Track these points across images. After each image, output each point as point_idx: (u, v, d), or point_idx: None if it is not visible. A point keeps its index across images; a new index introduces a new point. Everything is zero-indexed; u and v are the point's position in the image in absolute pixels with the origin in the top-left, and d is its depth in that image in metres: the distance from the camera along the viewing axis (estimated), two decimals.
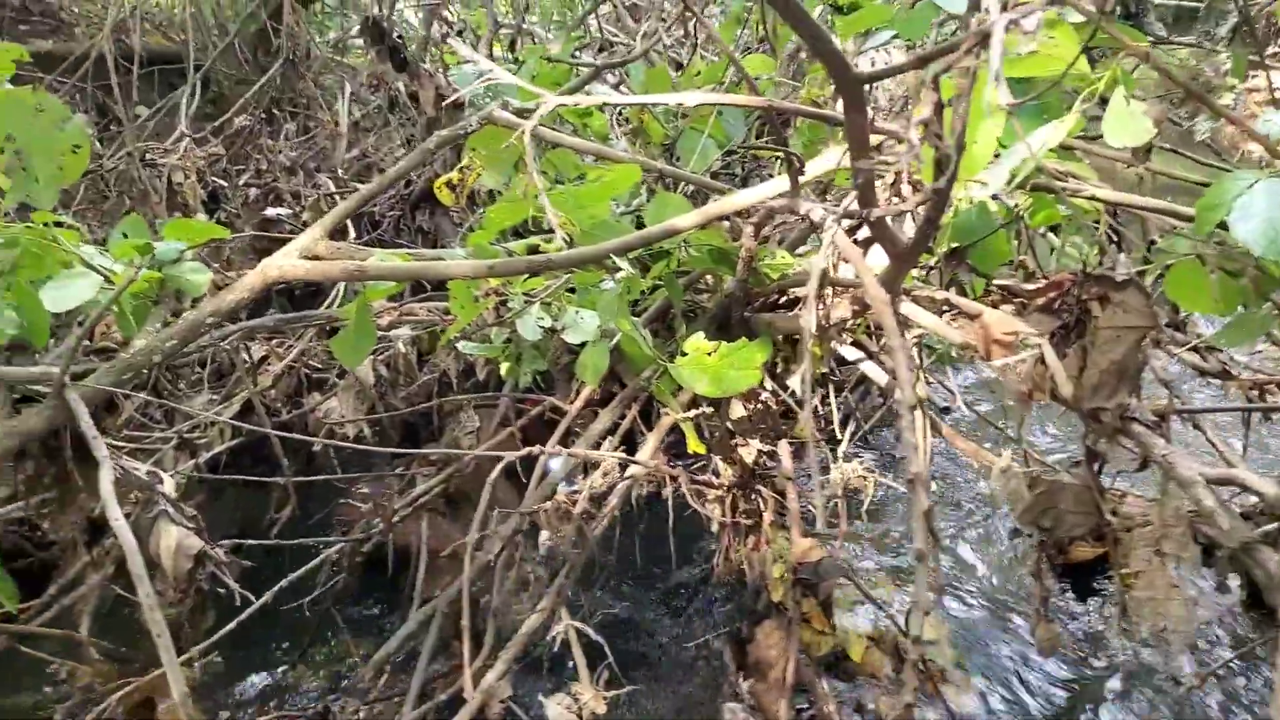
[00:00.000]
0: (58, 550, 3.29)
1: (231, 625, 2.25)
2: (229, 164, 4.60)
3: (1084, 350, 1.14)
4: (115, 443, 2.56)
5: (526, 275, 2.04)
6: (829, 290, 1.85)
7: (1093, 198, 1.61)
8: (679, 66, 4.67)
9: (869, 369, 1.93)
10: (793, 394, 2.39)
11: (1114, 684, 2.46)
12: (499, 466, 1.83)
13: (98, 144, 4.66)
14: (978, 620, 2.80)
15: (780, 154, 1.46)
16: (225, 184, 4.21)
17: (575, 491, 1.91)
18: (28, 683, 2.81)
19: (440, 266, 1.83)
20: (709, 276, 2.38)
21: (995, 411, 3.63)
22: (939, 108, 0.98)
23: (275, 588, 2.34)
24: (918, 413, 1.05)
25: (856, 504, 2.31)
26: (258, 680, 2.81)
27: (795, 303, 2.10)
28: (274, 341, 3.19)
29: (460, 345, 2.60)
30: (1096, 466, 1.29)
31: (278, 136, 4.91)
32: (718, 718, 2.14)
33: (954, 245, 1.68)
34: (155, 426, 3.17)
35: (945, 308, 1.54)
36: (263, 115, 5.00)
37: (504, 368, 2.66)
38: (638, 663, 2.55)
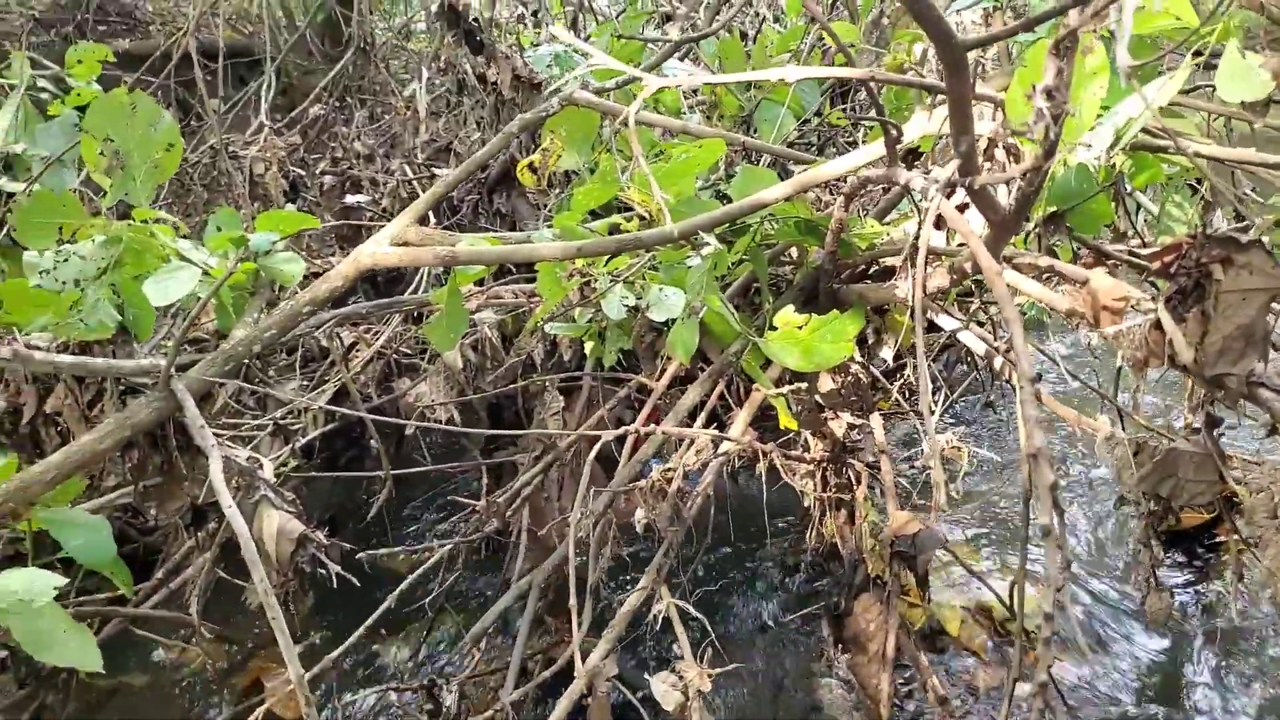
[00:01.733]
0: (161, 536, 3.43)
1: (362, 629, 2.29)
2: (305, 153, 4.69)
3: (1205, 315, 1.10)
4: (215, 431, 2.65)
5: (612, 255, 2.05)
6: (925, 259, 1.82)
7: (1202, 155, 1.55)
8: (744, 36, 4.61)
9: (966, 338, 1.90)
10: (882, 365, 2.37)
11: (1230, 657, 2.40)
12: (595, 447, 1.84)
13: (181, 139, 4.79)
14: (1080, 591, 2.75)
15: (870, 121, 1.44)
16: (303, 173, 4.30)
17: (669, 469, 1.92)
18: (142, 664, 2.95)
19: (529, 249, 1.85)
20: (793, 250, 2.37)
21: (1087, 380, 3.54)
22: (1059, 73, 0.95)
23: (397, 590, 2.38)
24: (1035, 386, 1.03)
25: (951, 476, 2.28)
26: (364, 660, 2.90)
27: (886, 273, 2.08)
28: (362, 328, 3.25)
29: (547, 326, 2.63)
30: (1217, 433, 1.26)
31: (351, 124, 4.99)
32: (817, 692, 2.15)
33: (1053, 209, 1.64)
34: (248, 413, 3.27)
35: (1049, 274, 1.50)
36: (335, 103, 5.08)
37: (588, 347, 2.68)
38: (736, 640, 2.57)
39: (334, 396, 3.18)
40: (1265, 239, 1.12)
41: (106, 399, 2.30)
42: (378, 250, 1.92)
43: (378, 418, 2.58)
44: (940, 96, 1.60)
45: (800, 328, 1.95)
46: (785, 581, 2.78)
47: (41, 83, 4.06)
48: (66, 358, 1.79)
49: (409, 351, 3.24)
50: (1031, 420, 0.98)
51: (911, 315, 1.77)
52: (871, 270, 2.15)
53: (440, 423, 3.06)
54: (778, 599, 2.71)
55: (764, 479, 2.05)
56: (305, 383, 3.39)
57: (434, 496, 3.55)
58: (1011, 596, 2.04)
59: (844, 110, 3.06)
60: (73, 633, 1.86)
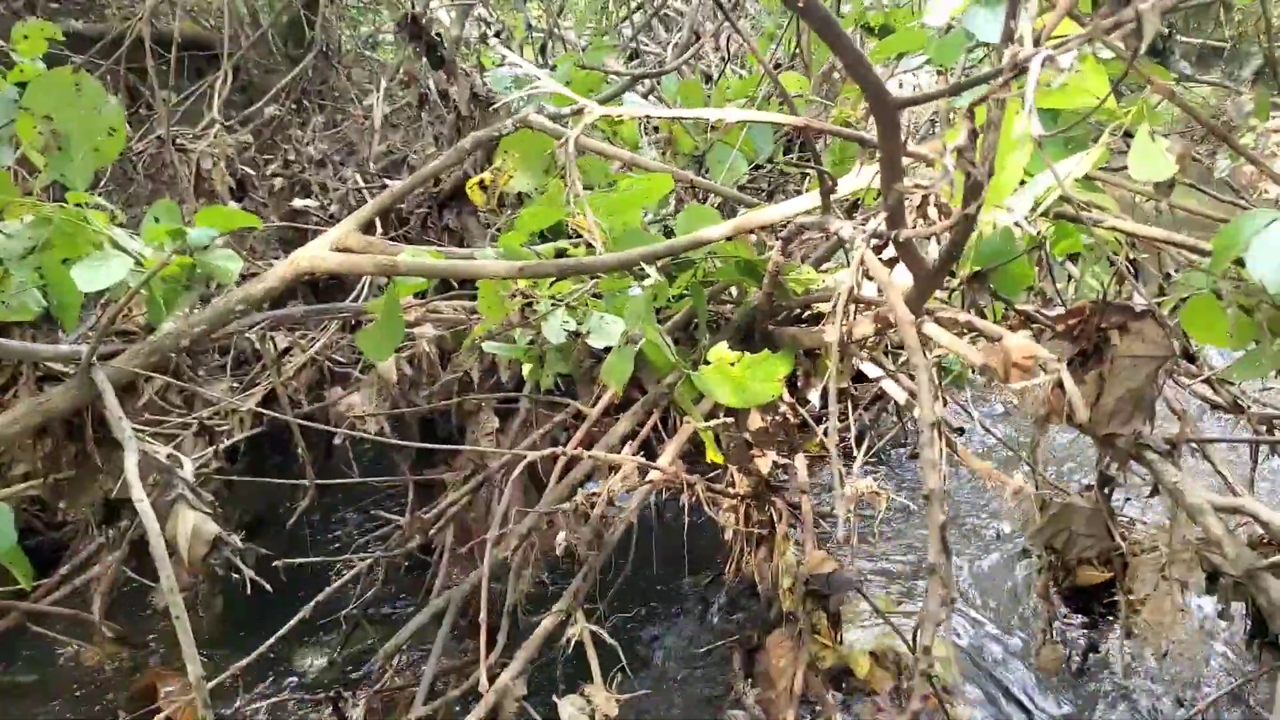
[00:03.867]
0: (70, 531, 3.34)
1: (275, 638, 2.26)
2: (257, 153, 4.65)
3: (1101, 377, 1.17)
4: (135, 426, 2.60)
5: (555, 278, 2.08)
6: (853, 307, 1.89)
7: (1114, 229, 1.64)
8: (708, 79, 4.71)
9: (888, 386, 1.97)
10: (810, 407, 2.43)
11: (1116, 709, 2.49)
12: (520, 465, 1.86)
13: (128, 127, 4.72)
14: (982, 641, 2.82)
15: (813, 170, 1.50)
16: (253, 173, 4.26)
17: (594, 494, 1.94)
18: (35, 661, 2.86)
19: (472, 265, 1.87)
20: (733, 288, 2.43)
21: (1009, 437, 3.65)
22: (973, 135, 1.02)
23: (313, 602, 2.35)
24: (936, 430, 1.08)
25: (869, 520, 2.34)
26: (273, 670, 2.85)
27: (819, 318, 2.14)
28: (298, 333, 3.23)
29: (485, 345, 2.65)
30: (1108, 491, 1.32)
31: (306, 128, 4.97)
32: None
33: (977, 269, 1.72)
34: (174, 410, 3.21)
35: (967, 330, 1.57)
36: (292, 105, 5.05)
37: (526, 369, 2.70)
38: (647, 666, 2.59)
39: (264, 400, 3.15)
40: (1160, 309, 1.20)
41: (21, 384, 2.24)
42: (317, 255, 1.93)
43: (308, 422, 2.56)
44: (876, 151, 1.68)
45: (733, 364, 2.00)
46: (703, 613, 2.81)
47: None
48: None
49: (343, 360, 3.23)
50: (929, 463, 1.03)
51: (838, 358, 1.83)
52: (805, 315, 2.21)
53: (371, 434, 3.04)
54: (693, 630, 2.74)
55: (688, 512, 2.09)
56: (236, 385, 3.34)
57: (361, 509, 3.51)
58: (914, 637, 2.10)
59: (794, 159, 3.15)
60: None
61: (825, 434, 2.63)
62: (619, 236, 1.94)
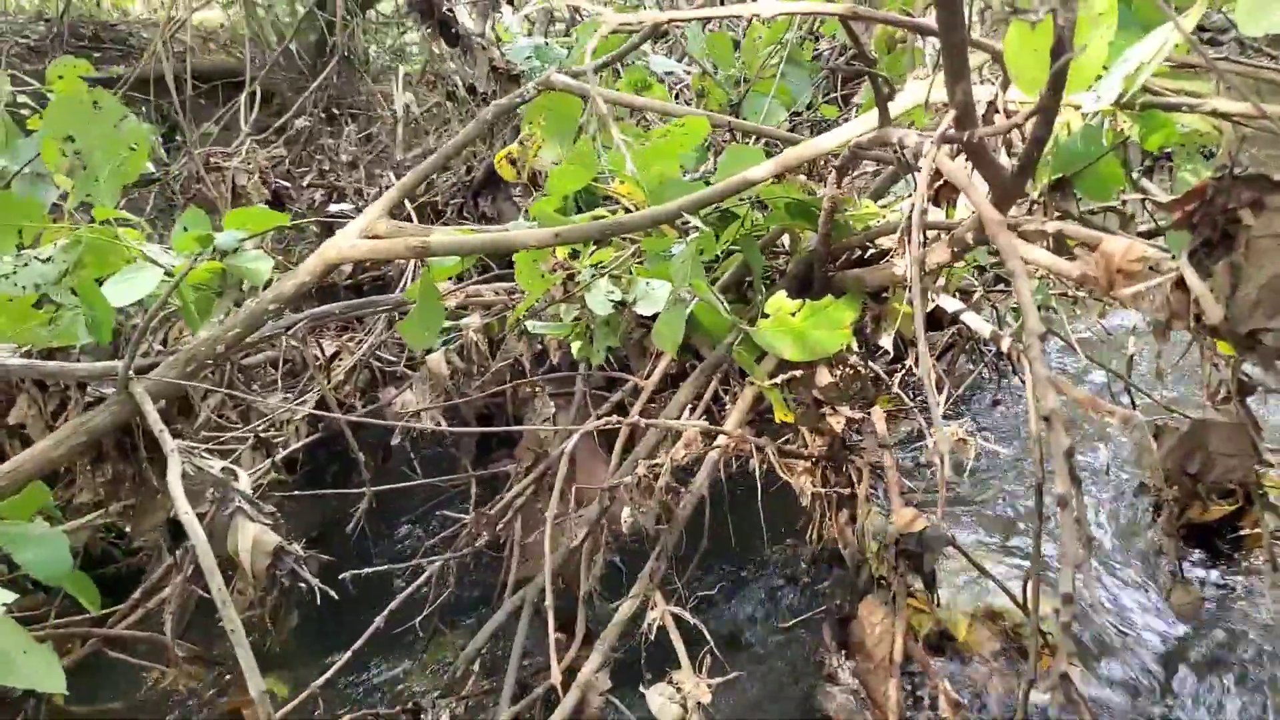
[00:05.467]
0: (145, 556, 3.32)
1: (350, 651, 2.18)
2: (291, 166, 4.62)
3: (1234, 267, 1.00)
4: (192, 443, 2.55)
5: (594, 246, 1.95)
6: (923, 235, 1.72)
7: (1214, 112, 1.44)
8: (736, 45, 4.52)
9: (970, 319, 1.79)
10: (884, 357, 2.26)
11: (1248, 652, 2.27)
12: (573, 437, 1.74)
13: (164, 154, 4.76)
14: (1099, 587, 2.61)
15: (866, 73, 1.34)
16: (289, 185, 4.22)
17: (655, 464, 1.81)
18: (120, 688, 2.82)
19: (505, 237, 1.75)
20: (785, 238, 2.27)
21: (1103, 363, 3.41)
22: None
23: (386, 611, 2.27)
24: (1042, 343, 0.92)
25: (958, 469, 2.17)
26: (352, 685, 2.77)
27: (883, 255, 1.97)
28: (345, 337, 3.16)
29: (529, 325, 2.53)
30: (1248, 402, 1.15)
31: (339, 137, 4.93)
32: (817, 701, 2.02)
33: (1059, 175, 1.54)
34: (232, 428, 3.17)
35: (1056, 242, 1.39)
36: (323, 115, 5.01)
37: (575, 347, 2.58)
38: (736, 646, 2.44)
39: (318, 408, 3.08)
40: None
41: (71, 407, 2.20)
42: (345, 244, 1.82)
43: (364, 419, 2.47)
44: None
45: (794, 314, 1.85)
46: (785, 586, 2.65)
47: (22, 99, 4.00)
48: (16, 360, 1.68)
49: (393, 360, 3.14)
50: (1043, 379, 0.87)
51: (911, 290, 1.67)
52: (867, 255, 2.04)
53: (428, 429, 2.95)
54: (779, 603, 2.58)
55: (760, 479, 1.94)
56: (289, 396, 3.29)
57: (425, 513, 3.43)
58: (1024, 592, 1.92)
59: (847, 63, 2.96)
60: (34, 653, 1.75)
61: (913, 394, 2.46)
62: (656, 189, 1.80)
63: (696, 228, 1.76)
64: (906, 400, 2.64)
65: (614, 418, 1.83)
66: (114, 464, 2.44)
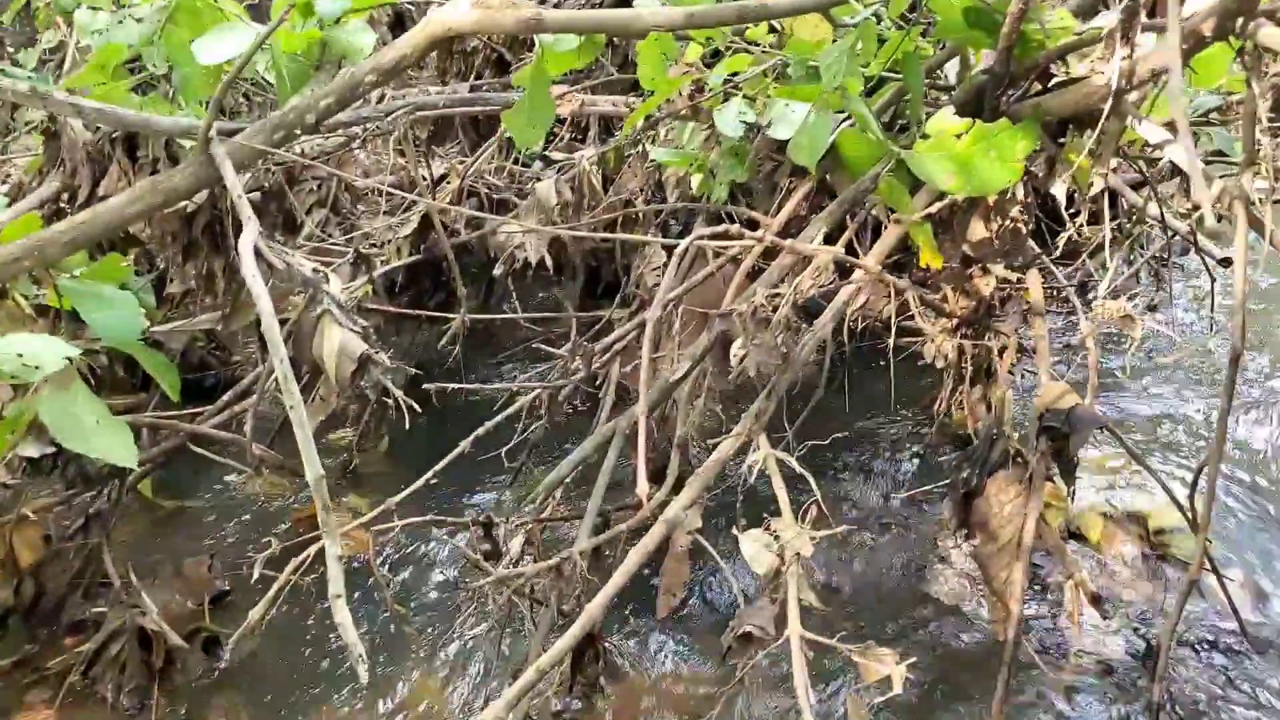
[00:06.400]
0: (241, 366, 3.34)
1: (433, 471, 2.09)
2: None
3: None
4: (292, 247, 2.47)
5: (732, 27, 1.69)
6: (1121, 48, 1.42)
7: None
8: None
9: (1174, 154, 1.49)
10: (1053, 207, 1.96)
11: None
12: (686, 246, 1.53)
13: None
14: (1238, 507, 2.33)
15: None
16: None
17: (776, 292, 1.59)
18: (208, 490, 2.84)
19: (628, 15, 1.52)
20: (953, 65, 1.96)
21: None
22: None
23: (472, 435, 2.17)
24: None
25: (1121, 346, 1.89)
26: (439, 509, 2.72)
27: (1074, 83, 1.66)
28: (455, 158, 3.00)
29: (651, 152, 2.31)
30: None
31: None
32: (929, 580, 1.83)
33: None
34: (338, 252, 3.08)
35: None
36: None
37: (695, 180, 2.35)
38: (838, 514, 2.25)
39: (420, 229, 2.97)
40: None
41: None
42: (452, 14, 1.62)
43: (472, 234, 2.29)
44: None
45: (959, 136, 1.58)
46: (902, 457, 2.42)
47: None
48: (92, 103, 1.56)
49: (501, 186, 2.98)
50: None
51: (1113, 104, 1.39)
52: (1051, 83, 1.73)
53: (531, 265, 2.81)
54: (892, 475, 2.36)
55: (893, 332, 1.70)
56: (393, 221, 3.19)
57: (525, 352, 3.32)
58: (1194, 488, 1.67)
59: None
60: (107, 425, 1.71)
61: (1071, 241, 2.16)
62: None
63: (860, 11, 1.49)
64: (1057, 275, 2.35)
65: (734, 240, 1.60)
66: (206, 256, 2.37)
